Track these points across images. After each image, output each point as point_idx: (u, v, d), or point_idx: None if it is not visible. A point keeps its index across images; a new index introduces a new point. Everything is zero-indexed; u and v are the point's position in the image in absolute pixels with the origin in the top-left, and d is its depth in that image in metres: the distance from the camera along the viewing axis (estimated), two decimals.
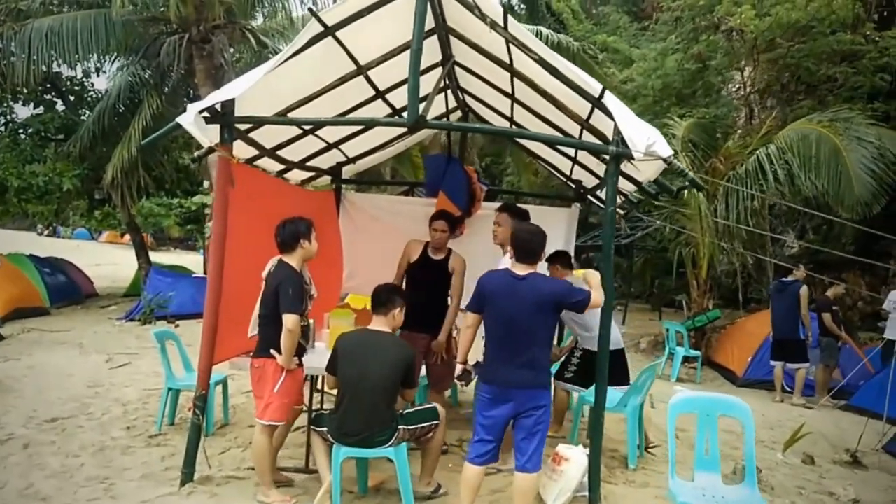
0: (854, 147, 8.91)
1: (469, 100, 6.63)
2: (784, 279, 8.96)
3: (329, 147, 6.26)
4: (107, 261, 28.00)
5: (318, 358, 4.82)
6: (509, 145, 17.62)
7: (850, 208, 9.00)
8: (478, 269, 6.32)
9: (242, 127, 4.75)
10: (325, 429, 3.99)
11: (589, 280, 3.89)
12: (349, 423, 3.84)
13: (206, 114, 4.20)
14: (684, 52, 13.19)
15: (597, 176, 5.93)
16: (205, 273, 17.15)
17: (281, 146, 5.56)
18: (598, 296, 3.76)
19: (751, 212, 9.60)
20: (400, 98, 5.99)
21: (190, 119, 4.06)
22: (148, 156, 13.58)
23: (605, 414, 4.10)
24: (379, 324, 4.07)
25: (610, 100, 3.92)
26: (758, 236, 11.13)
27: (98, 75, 15.96)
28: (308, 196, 6.35)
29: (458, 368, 3.92)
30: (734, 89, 15.96)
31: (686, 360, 10.18)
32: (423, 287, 5.26)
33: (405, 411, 4.05)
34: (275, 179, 5.70)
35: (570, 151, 5.89)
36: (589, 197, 6.83)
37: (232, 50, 13.65)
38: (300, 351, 4.17)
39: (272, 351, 4.03)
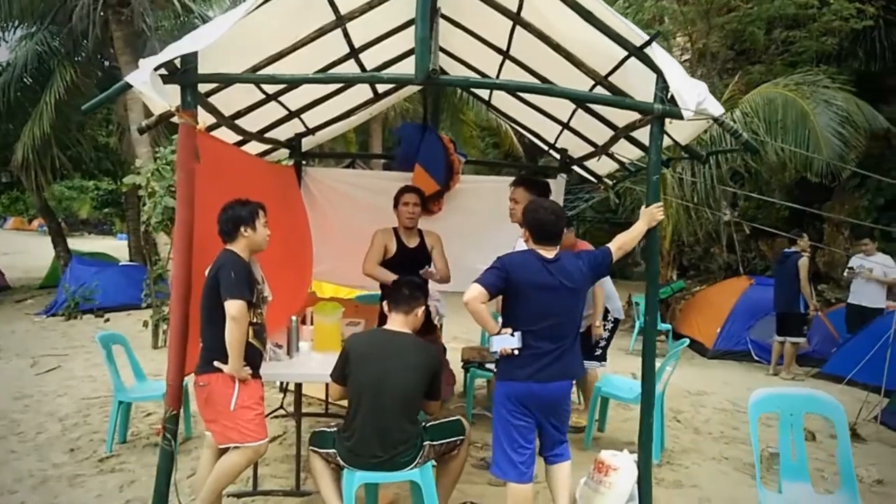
0: (822, 111, 8.68)
1: (444, 60, 5.92)
2: (786, 250, 8.60)
3: (290, 116, 5.45)
4: (14, 249, 25.91)
5: (302, 362, 4.11)
6: (447, 116, 16.95)
7: (819, 173, 8.78)
8: (460, 247, 5.71)
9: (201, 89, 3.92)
10: (331, 451, 3.29)
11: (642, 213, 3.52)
12: (366, 444, 3.15)
13: (162, 71, 3.38)
14: (633, 17, 12.78)
15: (592, 144, 5.38)
16: (131, 261, 15.89)
17: (240, 114, 4.75)
18: (626, 238, 3.46)
19: (716, 180, 9.28)
20: (371, 59, 5.27)
21: (144, 78, 3.23)
22: (62, 133, 12.25)
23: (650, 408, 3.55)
24: (397, 323, 3.38)
25: (657, 49, 3.34)
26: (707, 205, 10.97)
27: None
28: (276, 172, 5.53)
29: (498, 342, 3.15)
30: None
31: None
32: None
33: (427, 424, 3.39)
34: (242, 153, 4.87)
35: (563, 116, 5.32)
36: (574, 168, 6.27)
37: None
38: (255, 358, 3.41)
39: (216, 363, 3.26)
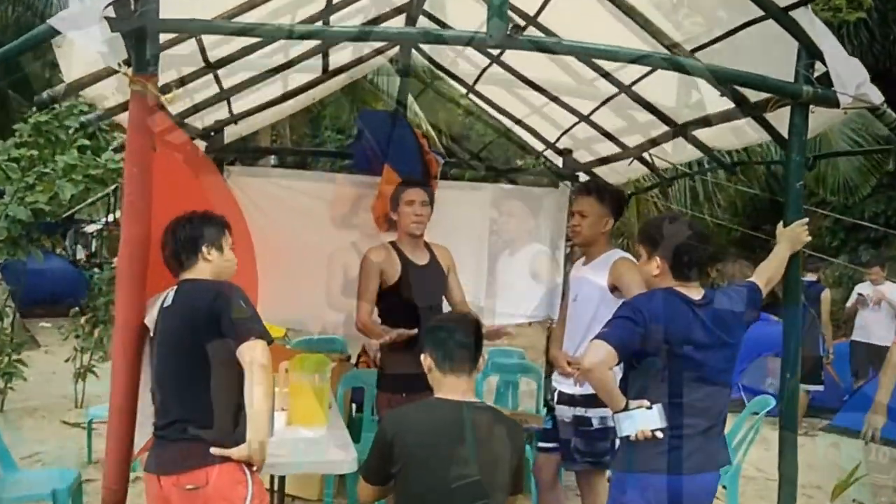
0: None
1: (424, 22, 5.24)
2: (806, 279, 8.33)
3: (220, 97, 4.64)
4: None
5: (285, 443, 3.27)
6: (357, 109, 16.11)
7: (834, 190, 8.72)
8: None
9: None
10: None
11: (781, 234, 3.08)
12: None
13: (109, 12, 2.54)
14: None
15: (619, 144, 4.92)
16: None
17: (167, 88, 3.91)
18: (771, 268, 2.99)
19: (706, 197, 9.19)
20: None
21: (91, 23, 2.40)
22: None
23: None
24: (459, 390, 2.55)
25: (809, 14, 2.92)
26: None
27: None
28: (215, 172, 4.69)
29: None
30: None
31: None
32: (424, 313, 3.81)
33: None
34: (196, 147, 4.07)
35: (584, 109, 4.82)
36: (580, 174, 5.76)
37: None
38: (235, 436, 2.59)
39: (214, 449, 2.47)
